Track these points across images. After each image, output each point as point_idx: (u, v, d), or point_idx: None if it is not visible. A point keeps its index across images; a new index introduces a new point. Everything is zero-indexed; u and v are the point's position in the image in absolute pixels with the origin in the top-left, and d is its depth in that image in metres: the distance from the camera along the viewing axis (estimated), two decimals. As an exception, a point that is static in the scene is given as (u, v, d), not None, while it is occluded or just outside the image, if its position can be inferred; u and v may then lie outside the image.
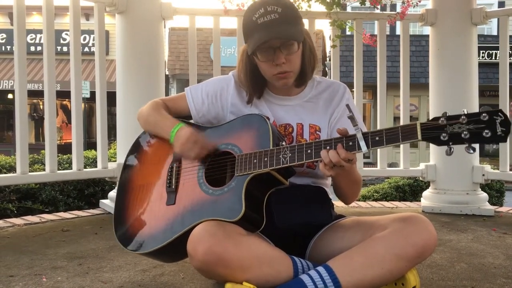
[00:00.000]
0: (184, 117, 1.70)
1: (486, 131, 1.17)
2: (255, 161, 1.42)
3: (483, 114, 1.18)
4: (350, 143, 1.33)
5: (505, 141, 1.19)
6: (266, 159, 1.41)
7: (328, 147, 1.34)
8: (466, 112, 1.20)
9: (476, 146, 3.28)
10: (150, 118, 1.67)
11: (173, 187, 1.55)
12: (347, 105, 1.38)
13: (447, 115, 1.22)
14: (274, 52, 1.50)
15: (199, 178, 1.52)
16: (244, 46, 1.60)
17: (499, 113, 1.17)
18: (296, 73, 1.57)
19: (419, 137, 1.24)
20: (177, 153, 1.56)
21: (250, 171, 1.42)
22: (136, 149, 1.75)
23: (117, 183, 1.74)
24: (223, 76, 1.74)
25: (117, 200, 1.69)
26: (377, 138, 1.30)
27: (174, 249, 1.49)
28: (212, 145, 1.54)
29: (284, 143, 1.48)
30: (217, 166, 1.54)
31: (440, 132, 1.21)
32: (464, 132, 1.19)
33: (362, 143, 1.30)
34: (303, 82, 1.63)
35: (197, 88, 1.71)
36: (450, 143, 1.21)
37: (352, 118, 1.32)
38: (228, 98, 1.66)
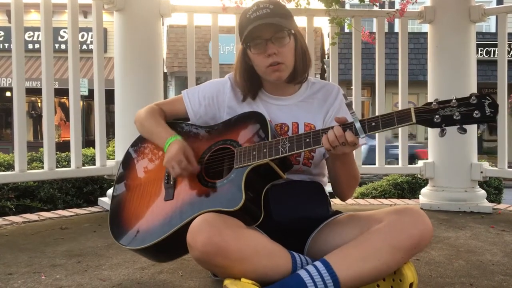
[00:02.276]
0: (181, 119, 1.74)
1: (476, 112, 1.25)
2: (254, 153, 1.45)
3: (472, 98, 1.26)
4: (348, 130, 1.37)
5: (494, 120, 1.27)
6: (265, 150, 1.44)
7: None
8: (456, 97, 1.28)
9: (473, 136, 3.30)
10: (145, 124, 1.72)
11: (171, 182, 1.57)
12: (344, 94, 1.47)
13: (438, 100, 1.30)
14: (266, 44, 1.55)
15: (198, 172, 1.54)
16: (240, 47, 1.65)
17: (487, 97, 1.26)
18: (289, 67, 1.61)
19: (414, 119, 1.31)
20: (164, 165, 1.58)
21: (250, 162, 1.44)
22: (135, 147, 1.77)
23: (115, 179, 1.74)
24: (219, 79, 1.79)
25: (114, 197, 1.69)
26: (373, 124, 1.36)
27: (171, 245, 1.49)
28: (196, 167, 1.55)
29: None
30: (216, 161, 1.56)
31: (433, 115, 1.29)
32: (456, 114, 1.27)
33: (359, 128, 1.35)
34: (295, 79, 1.65)
35: (194, 91, 1.75)
36: (443, 125, 1.29)
37: (349, 105, 1.38)
38: (225, 100, 1.69)
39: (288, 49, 1.58)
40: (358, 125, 1.36)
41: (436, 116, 1.28)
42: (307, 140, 1.41)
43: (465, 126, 1.28)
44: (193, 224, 1.36)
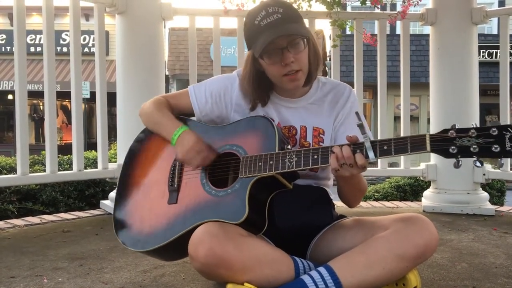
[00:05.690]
0: (187, 115, 1.69)
1: (495, 146, 1.17)
2: (260, 164, 1.41)
3: (493, 129, 1.17)
4: (358, 151, 1.32)
5: None
6: (271, 162, 1.40)
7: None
8: (475, 126, 1.20)
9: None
10: (152, 116, 1.66)
11: (175, 185, 1.55)
12: (356, 113, 1.39)
13: (456, 127, 1.21)
14: (282, 53, 1.48)
15: (202, 178, 1.52)
16: (249, 53, 1.57)
17: (509, 128, 1.17)
18: (305, 72, 1.55)
19: (428, 148, 1.23)
20: (179, 159, 1.55)
21: (255, 173, 1.41)
22: (138, 145, 1.73)
23: (118, 178, 1.72)
24: (227, 75, 1.71)
25: (117, 196, 1.68)
26: (385, 148, 1.29)
27: (174, 248, 1.49)
28: (214, 154, 1.53)
29: (289, 146, 1.47)
30: (221, 167, 1.53)
31: (449, 144, 1.21)
32: (473, 146, 1.19)
33: (370, 152, 1.30)
34: (309, 82, 1.60)
35: (200, 86, 1.69)
36: (459, 156, 1.21)
37: (361, 126, 1.32)
38: (233, 97, 1.64)
39: (304, 53, 1.51)
40: (370, 150, 1.29)
41: (452, 147, 1.21)
42: (315, 156, 1.37)
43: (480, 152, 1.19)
44: (194, 235, 1.35)
